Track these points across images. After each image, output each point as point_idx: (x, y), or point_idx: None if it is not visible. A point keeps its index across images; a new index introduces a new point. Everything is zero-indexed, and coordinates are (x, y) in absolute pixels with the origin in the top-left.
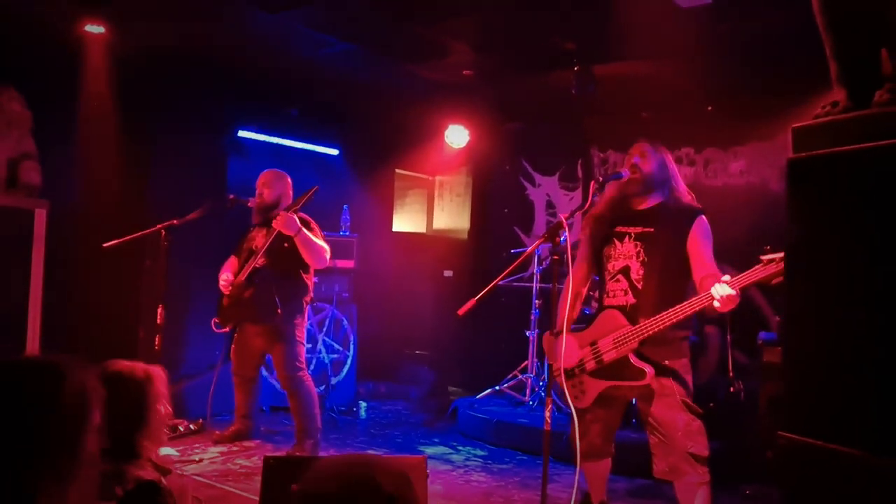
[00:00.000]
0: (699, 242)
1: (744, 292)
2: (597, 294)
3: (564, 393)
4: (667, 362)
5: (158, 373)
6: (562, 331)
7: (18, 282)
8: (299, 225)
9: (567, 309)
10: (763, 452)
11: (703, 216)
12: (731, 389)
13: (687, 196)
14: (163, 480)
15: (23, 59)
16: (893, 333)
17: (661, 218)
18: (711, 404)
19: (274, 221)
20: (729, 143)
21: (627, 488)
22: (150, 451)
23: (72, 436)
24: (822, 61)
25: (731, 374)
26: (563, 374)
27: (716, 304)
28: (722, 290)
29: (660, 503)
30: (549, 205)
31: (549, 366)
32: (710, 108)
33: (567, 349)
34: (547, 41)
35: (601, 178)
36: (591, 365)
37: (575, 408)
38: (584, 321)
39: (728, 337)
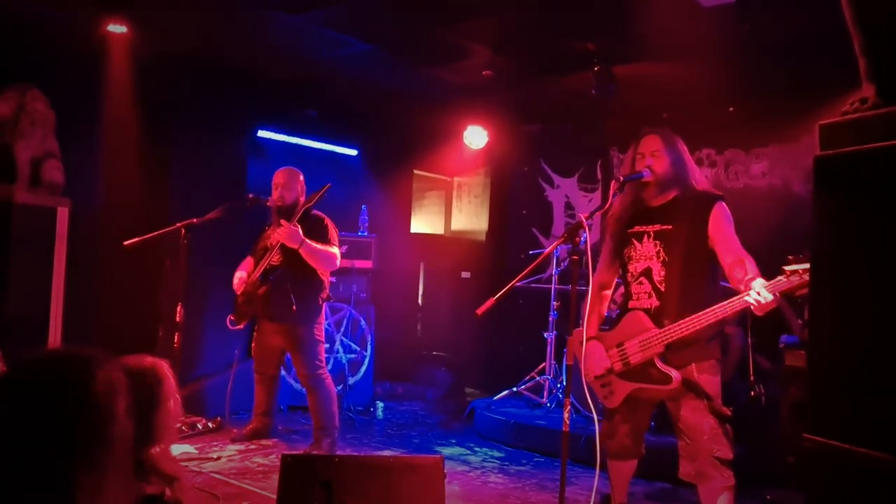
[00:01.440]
0: (721, 227)
1: None
2: (618, 297)
3: (586, 396)
4: (694, 364)
5: (167, 369)
6: (589, 337)
7: (41, 279)
8: (302, 237)
9: (590, 312)
10: (785, 457)
11: (722, 202)
12: (752, 394)
13: (703, 183)
14: (167, 492)
15: (46, 59)
16: None
17: (678, 213)
18: (732, 408)
19: (276, 234)
20: (750, 145)
21: (646, 492)
22: (158, 461)
23: (103, 426)
24: (846, 62)
25: (752, 378)
26: (592, 380)
27: (752, 306)
28: (761, 297)
29: None
30: (568, 206)
31: (568, 367)
32: (731, 108)
33: (595, 355)
34: (567, 42)
35: (622, 178)
36: (618, 367)
37: (605, 407)
38: (606, 324)
39: (749, 340)
